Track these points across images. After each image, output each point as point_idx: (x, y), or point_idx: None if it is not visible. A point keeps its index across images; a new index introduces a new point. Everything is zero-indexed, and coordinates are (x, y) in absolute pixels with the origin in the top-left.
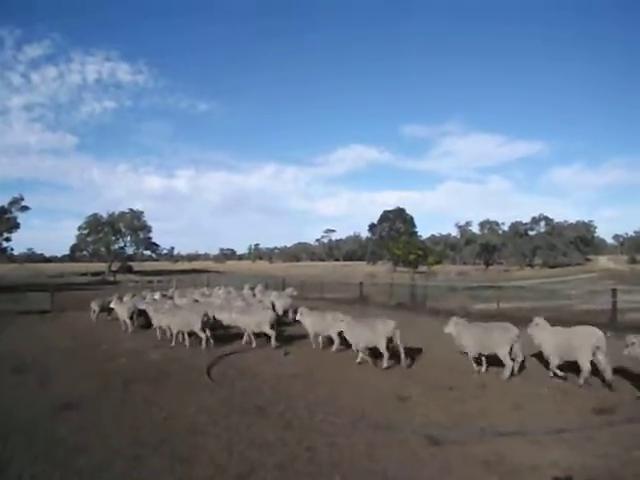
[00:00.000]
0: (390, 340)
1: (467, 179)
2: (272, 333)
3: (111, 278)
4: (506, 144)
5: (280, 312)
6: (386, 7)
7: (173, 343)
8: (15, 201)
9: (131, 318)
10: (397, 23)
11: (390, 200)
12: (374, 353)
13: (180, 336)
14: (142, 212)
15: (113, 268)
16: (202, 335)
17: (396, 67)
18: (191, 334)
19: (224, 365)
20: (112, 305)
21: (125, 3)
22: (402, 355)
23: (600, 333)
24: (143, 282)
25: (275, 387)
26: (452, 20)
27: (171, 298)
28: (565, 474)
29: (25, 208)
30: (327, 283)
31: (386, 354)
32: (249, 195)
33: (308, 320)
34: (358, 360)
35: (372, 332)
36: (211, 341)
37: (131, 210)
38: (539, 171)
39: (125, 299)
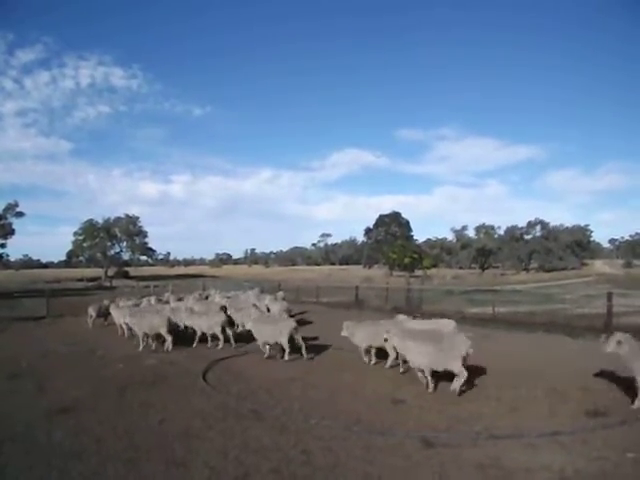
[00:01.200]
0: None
1: (463, 183)
2: (221, 336)
3: (107, 283)
4: (502, 148)
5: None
6: (381, 12)
7: (141, 347)
8: (10, 207)
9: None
10: (392, 28)
11: (386, 204)
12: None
13: (147, 338)
14: (138, 217)
15: (109, 273)
16: (168, 338)
17: (391, 71)
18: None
19: (220, 369)
20: (111, 310)
21: (118, 7)
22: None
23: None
24: (139, 287)
25: (271, 391)
26: (448, 24)
27: (167, 302)
28: (559, 477)
29: (20, 214)
30: (323, 287)
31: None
32: (245, 200)
33: (360, 335)
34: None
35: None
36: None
37: (127, 215)
38: (535, 175)
39: (121, 304)
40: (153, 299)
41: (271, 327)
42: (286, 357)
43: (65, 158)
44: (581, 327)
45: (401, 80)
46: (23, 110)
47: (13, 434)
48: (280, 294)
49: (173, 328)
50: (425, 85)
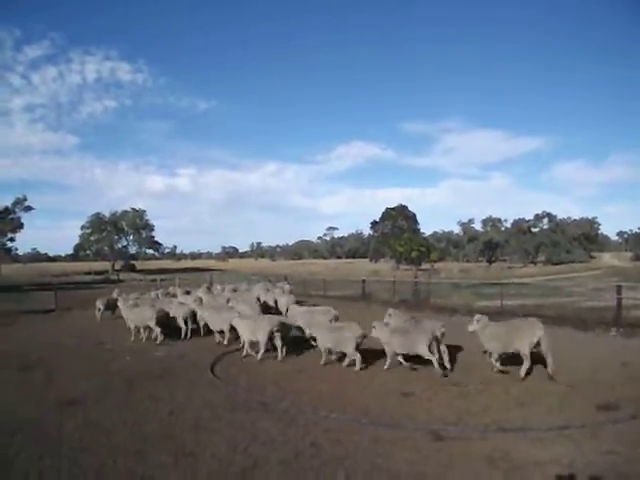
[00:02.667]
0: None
1: (469, 176)
2: (156, 329)
3: (114, 277)
4: (508, 140)
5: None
6: (387, 6)
7: (132, 338)
8: (19, 201)
9: None
10: (397, 19)
11: (392, 197)
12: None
13: (142, 330)
14: (145, 211)
15: (116, 267)
16: (156, 330)
17: (396, 64)
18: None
19: (228, 362)
20: (118, 303)
21: (123, 2)
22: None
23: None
24: (146, 281)
25: (279, 383)
26: (452, 16)
27: (174, 296)
28: (568, 471)
29: (29, 208)
30: (329, 281)
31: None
32: (251, 193)
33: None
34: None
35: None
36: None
37: (133, 209)
38: (541, 167)
39: (130, 297)
40: (160, 292)
41: (252, 324)
42: (279, 356)
43: (72, 153)
44: (591, 320)
45: (406, 73)
46: (30, 105)
47: (23, 425)
48: (287, 287)
49: (163, 321)
50: (430, 78)
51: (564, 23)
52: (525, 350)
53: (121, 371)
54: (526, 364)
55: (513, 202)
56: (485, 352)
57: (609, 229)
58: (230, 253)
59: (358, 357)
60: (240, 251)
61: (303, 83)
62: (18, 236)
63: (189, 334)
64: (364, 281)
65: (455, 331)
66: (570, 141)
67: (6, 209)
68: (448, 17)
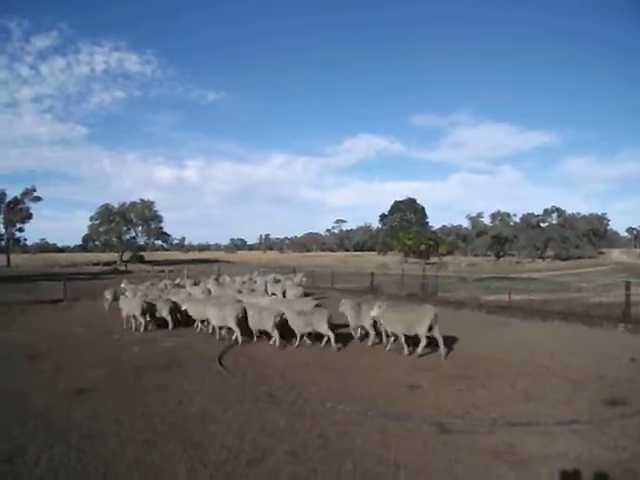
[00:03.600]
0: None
1: (478, 170)
2: (140, 319)
3: (123, 268)
4: (517, 134)
5: None
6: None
7: (124, 325)
8: (27, 192)
9: None
10: (406, 12)
11: (401, 190)
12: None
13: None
14: (153, 202)
15: (125, 258)
16: (141, 320)
17: (405, 56)
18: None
19: (235, 353)
20: (127, 293)
21: None
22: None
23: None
24: (154, 272)
25: (286, 375)
26: (462, 8)
27: (183, 287)
28: (575, 465)
29: (37, 199)
30: (338, 273)
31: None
32: (259, 185)
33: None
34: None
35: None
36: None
37: (142, 200)
38: (551, 162)
39: (140, 288)
40: (169, 283)
41: (217, 311)
42: (239, 340)
43: (80, 143)
44: (599, 316)
45: (416, 66)
46: (39, 96)
47: (33, 414)
48: (299, 276)
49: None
50: (440, 71)
51: (576, 19)
52: (422, 332)
53: (130, 361)
54: (423, 343)
55: (522, 196)
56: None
57: (618, 225)
58: (238, 245)
59: (331, 335)
60: (248, 243)
61: (313, 76)
62: (27, 226)
63: (173, 325)
64: (372, 274)
65: (462, 325)
66: (581, 136)
67: (15, 199)
68: (459, 12)
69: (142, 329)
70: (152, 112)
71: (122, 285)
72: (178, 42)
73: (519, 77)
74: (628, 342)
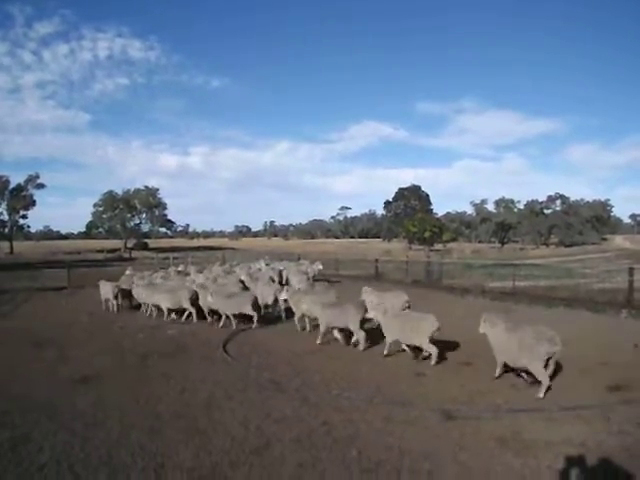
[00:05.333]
0: None
1: (483, 157)
2: (112, 301)
3: (127, 255)
4: (522, 121)
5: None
6: None
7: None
8: (31, 179)
9: None
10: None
11: (405, 177)
12: None
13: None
14: (157, 189)
15: (129, 245)
16: (112, 301)
17: (410, 44)
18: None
19: (239, 341)
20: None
21: None
22: None
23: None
24: (159, 259)
25: (291, 362)
26: None
27: (188, 274)
28: (580, 451)
29: (41, 185)
30: (342, 260)
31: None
32: (264, 172)
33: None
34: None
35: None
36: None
37: (146, 187)
38: (555, 149)
39: (145, 275)
40: (172, 270)
41: (170, 295)
42: (183, 318)
43: (84, 130)
44: (602, 302)
45: (420, 53)
46: (42, 82)
47: (37, 402)
48: (316, 265)
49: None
50: (444, 58)
51: (580, 5)
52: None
53: (134, 349)
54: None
55: (526, 183)
56: None
57: (622, 212)
58: (243, 232)
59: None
60: (253, 230)
61: (318, 63)
62: (30, 213)
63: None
64: (377, 261)
65: (467, 311)
66: (585, 123)
67: (19, 186)
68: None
69: (115, 309)
70: (156, 99)
71: (127, 272)
72: (182, 28)
73: (524, 64)
74: (632, 328)
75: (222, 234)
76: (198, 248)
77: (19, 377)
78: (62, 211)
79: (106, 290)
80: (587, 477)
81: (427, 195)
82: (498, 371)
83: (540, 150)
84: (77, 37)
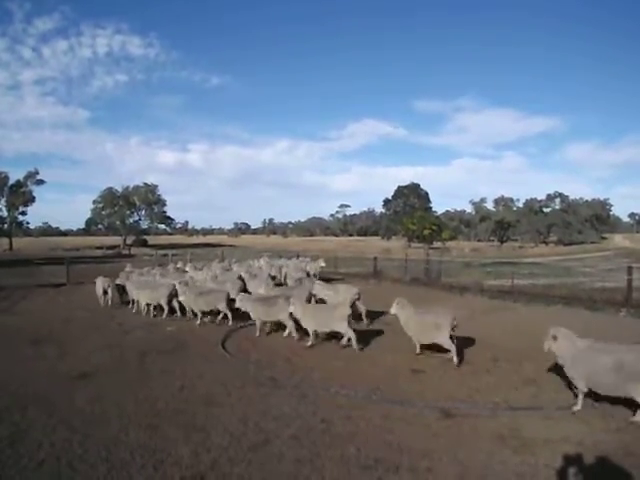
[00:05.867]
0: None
1: (482, 155)
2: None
3: (126, 252)
4: (521, 120)
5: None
6: None
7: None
8: (30, 175)
9: None
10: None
11: (404, 175)
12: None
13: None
14: (157, 186)
15: (128, 242)
16: (102, 297)
17: (408, 41)
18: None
19: (238, 337)
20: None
21: None
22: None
23: None
24: (157, 256)
25: (290, 359)
26: None
27: (185, 271)
28: (578, 449)
29: (40, 182)
30: (341, 258)
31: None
32: (263, 169)
33: None
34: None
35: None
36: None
37: (145, 184)
38: (554, 147)
39: (144, 271)
40: (171, 267)
41: (149, 292)
42: (164, 316)
43: (83, 126)
44: (601, 301)
45: (419, 51)
46: (41, 79)
47: (36, 398)
48: (319, 262)
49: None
50: (443, 56)
51: (579, 3)
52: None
53: (133, 345)
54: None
55: (525, 182)
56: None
57: (621, 210)
58: (242, 229)
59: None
60: (252, 227)
61: (317, 60)
62: (29, 210)
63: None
64: (376, 259)
65: (465, 310)
66: (584, 121)
67: (18, 182)
68: None
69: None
70: (155, 95)
71: (126, 269)
72: (182, 25)
73: (522, 62)
74: (630, 327)
75: (221, 231)
76: (197, 245)
77: (18, 373)
78: (61, 207)
79: (97, 285)
80: (585, 476)
81: (426, 193)
82: (418, 348)
83: (539, 148)
84: (76, 33)
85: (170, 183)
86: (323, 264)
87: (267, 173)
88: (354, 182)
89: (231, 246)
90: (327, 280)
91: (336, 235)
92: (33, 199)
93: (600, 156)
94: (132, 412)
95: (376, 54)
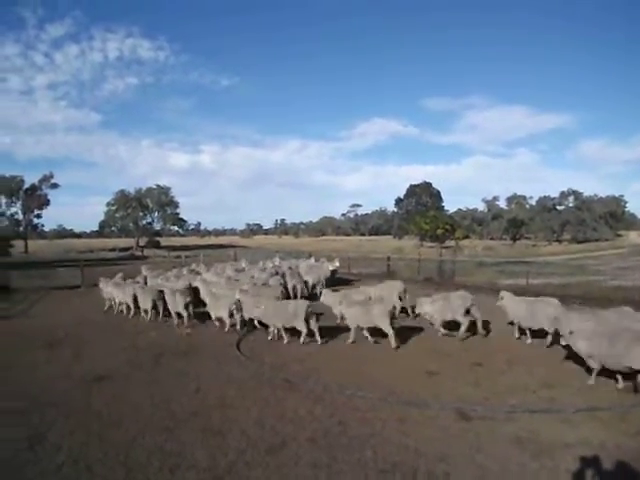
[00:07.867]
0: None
1: (493, 153)
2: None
3: (139, 253)
4: (532, 116)
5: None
6: None
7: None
8: (45, 178)
9: None
10: None
11: (415, 174)
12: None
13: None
14: (169, 188)
15: (141, 243)
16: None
17: (418, 39)
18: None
19: (252, 339)
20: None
21: None
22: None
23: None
24: (170, 257)
25: (304, 362)
26: None
27: (198, 273)
28: (597, 453)
29: (55, 185)
30: (354, 258)
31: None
32: (274, 170)
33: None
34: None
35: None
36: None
37: (158, 186)
38: (567, 144)
39: (157, 273)
40: (185, 269)
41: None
42: (147, 317)
43: (95, 130)
44: (617, 300)
45: (428, 49)
46: (54, 83)
47: (53, 401)
48: (334, 262)
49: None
50: (452, 54)
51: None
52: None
53: (147, 347)
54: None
55: (538, 179)
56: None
57: (636, 207)
58: (254, 230)
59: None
60: (264, 228)
61: (326, 61)
62: (44, 213)
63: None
64: (389, 258)
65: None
66: (597, 117)
67: (32, 186)
68: None
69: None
70: (166, 98)
71: (143, 272)
72: (191, 28)
73: (532, 59)
74: None
75: (233, 232)
76: (210, 246)
77: (35, 376)
78: (75, 210)
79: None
80: None
81: (438, 192)
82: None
83: (551, 145)
84: (87, 38)
85: (182, 185)
86: (337, 264)
87: (278, 174)
88: (365, 181)
89: (243, 247)
90: (343, 281)
91: (348, 235)
92: (48, 202)
93: (613, 152)
94: (148, 415)
95: (385, 53)
